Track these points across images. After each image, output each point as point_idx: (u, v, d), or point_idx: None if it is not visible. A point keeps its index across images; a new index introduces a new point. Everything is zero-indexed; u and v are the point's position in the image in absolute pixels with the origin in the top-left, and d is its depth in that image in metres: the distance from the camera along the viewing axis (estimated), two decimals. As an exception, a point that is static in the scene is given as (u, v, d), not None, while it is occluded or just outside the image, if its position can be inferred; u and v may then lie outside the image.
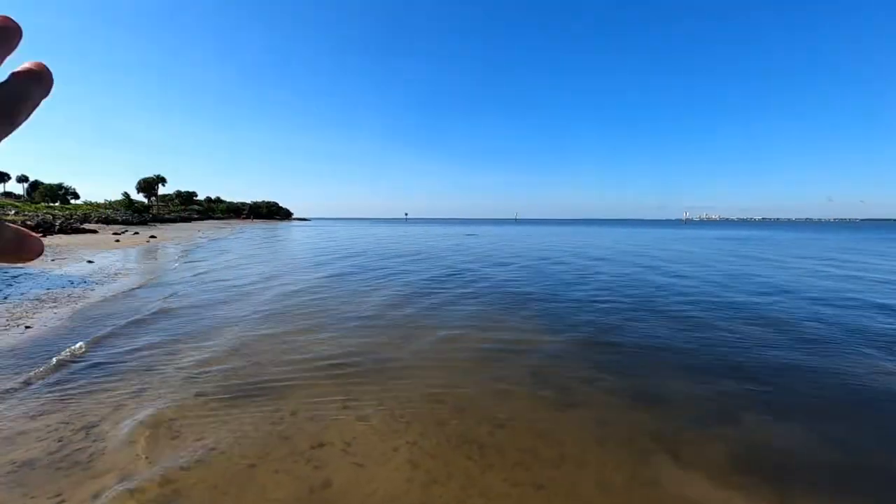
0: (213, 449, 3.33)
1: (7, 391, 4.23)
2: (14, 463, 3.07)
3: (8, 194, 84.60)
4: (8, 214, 32.05)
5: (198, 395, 4.30)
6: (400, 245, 27.45)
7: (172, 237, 30.55)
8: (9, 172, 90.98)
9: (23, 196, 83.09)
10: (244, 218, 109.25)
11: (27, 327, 6.32)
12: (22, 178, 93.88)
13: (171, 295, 9.21)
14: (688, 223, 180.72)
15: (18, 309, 7.29)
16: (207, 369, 4.99)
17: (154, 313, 7.50)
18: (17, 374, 4.67)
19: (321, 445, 3.45)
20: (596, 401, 4.42)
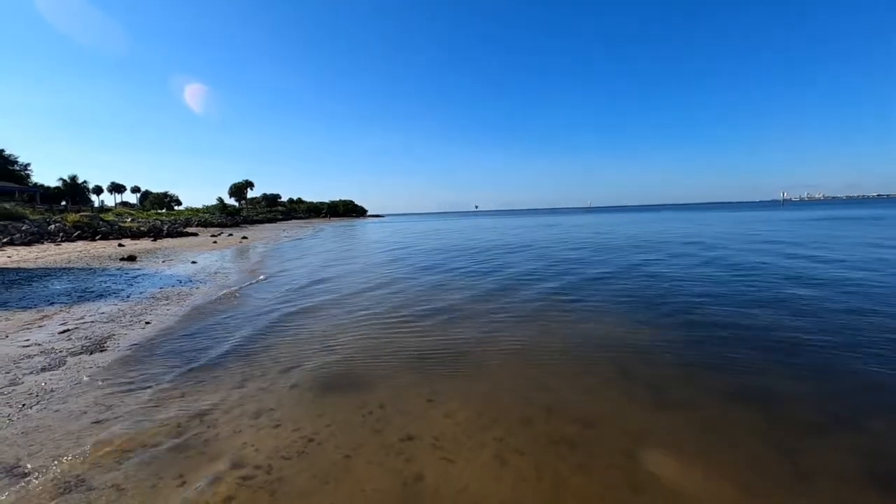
0: (310, 440, 3.52)
1: (131, 382, 4.76)
2: (145, 446, 3.44)
3: (125, 203, 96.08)
4: (126, 221, 36.34)
5: (293, 386, 4.57)
6: (474, 238, 27.52)
7: (262, 237, 32.99)
8: (125, 184, 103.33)
9: (136, 205, 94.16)
10: (323, 217, 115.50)
11: (147, 323, 7.10)
12: (135, 189, 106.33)
13: (264, 291, 9.92)
14: (786, 204, 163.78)
15: (138, 307, 8.21)
16: (300, 361, 5.29)
17: (249, 309, 8.11)
18: (138, 366, 5.25)
19: (410, 439, 3.51)
20: (695, 401, 4.09)
